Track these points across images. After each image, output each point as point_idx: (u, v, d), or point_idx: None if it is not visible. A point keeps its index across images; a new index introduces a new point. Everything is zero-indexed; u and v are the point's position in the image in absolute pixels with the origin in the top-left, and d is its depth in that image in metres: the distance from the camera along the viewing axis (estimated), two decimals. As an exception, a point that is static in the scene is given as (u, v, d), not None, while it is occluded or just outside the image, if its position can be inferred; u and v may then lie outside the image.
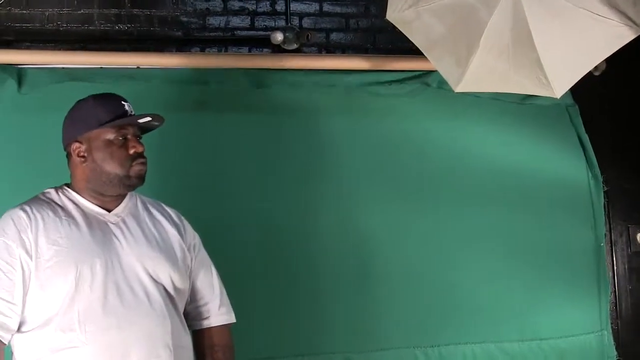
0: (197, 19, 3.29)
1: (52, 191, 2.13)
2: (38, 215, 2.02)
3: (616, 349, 3.27)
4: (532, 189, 3.26)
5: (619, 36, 2.53)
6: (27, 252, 1.96)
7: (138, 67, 3.03)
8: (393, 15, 2.69)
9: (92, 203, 2.10)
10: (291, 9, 3.33)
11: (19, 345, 1.99)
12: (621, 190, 3.48)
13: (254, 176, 3.02)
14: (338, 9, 3.42)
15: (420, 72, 3.22)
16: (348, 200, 3.10)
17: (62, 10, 3.16)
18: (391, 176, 3.16)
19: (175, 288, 2.11)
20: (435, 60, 2.73)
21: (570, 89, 2.71)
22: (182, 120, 2.91)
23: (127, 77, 2.97)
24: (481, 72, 2.60)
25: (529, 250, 3.20)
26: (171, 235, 2.19)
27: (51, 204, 2.08)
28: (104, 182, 2.09)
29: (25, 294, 1.96)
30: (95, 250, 2.00)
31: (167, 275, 2.09)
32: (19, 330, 1.97)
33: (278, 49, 3.26)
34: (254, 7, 3.33)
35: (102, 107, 2.11)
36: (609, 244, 3.45)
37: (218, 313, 2.24)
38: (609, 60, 2.77)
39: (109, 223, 2.09)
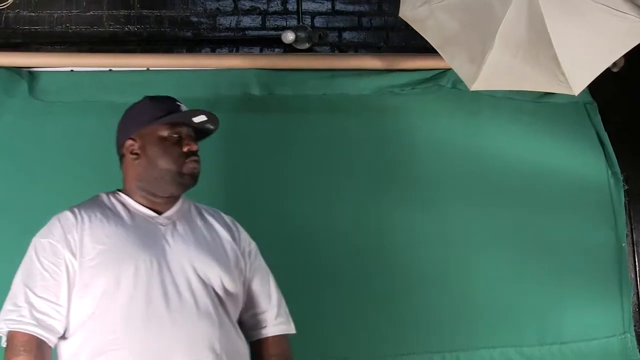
0: (208, 19, 3.27)
1: (103, 195, 2.12)
2: (85, 216, 2.00)
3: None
4: (551, 188, 3.22)
5: (637, 32, 2.50)
6: (72, 252, 1.95)
7: (148, 69, 3.02)
8: (406, 12, 2.69)
9: (143, 205, 2.07)
10: (303, 8, 3.32)
11: (61, 348, 1.95)
12: (642, 189, 3.42)
13: (272, 177, 3.01)
14: (350, 8, 3.39)
15: (434, 72, 3.19)
16: (364, 201, 3.07)
17: (71, 12, 3.15)
18: (407, 177, 3.12)
19: (225, 290, 2.05)
20: (450, 58, 2.73)
21: (587, 86, 2.69)
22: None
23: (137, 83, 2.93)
24: (496, 70, 2.59)
25: (548, 251, 3.15)
26: (223, 238, 2.14)
27: (101, 205, 2.06)
28: (156, 179, 2.05)
29: (70, 295, 1.93)
30: (141, 251, 1.96)
31: (217, 276, 2.03)
32: (63, 336, 1.94)
33: (290, 49, 3.23)
34: (265, 6, 3.32)
35: (157, 105, 2.11)
36: (631, 244, 3.39)
37: (275, 323, 2.18)
38: (627, 57, 2.74)
39: (159, 225, 2.05)
